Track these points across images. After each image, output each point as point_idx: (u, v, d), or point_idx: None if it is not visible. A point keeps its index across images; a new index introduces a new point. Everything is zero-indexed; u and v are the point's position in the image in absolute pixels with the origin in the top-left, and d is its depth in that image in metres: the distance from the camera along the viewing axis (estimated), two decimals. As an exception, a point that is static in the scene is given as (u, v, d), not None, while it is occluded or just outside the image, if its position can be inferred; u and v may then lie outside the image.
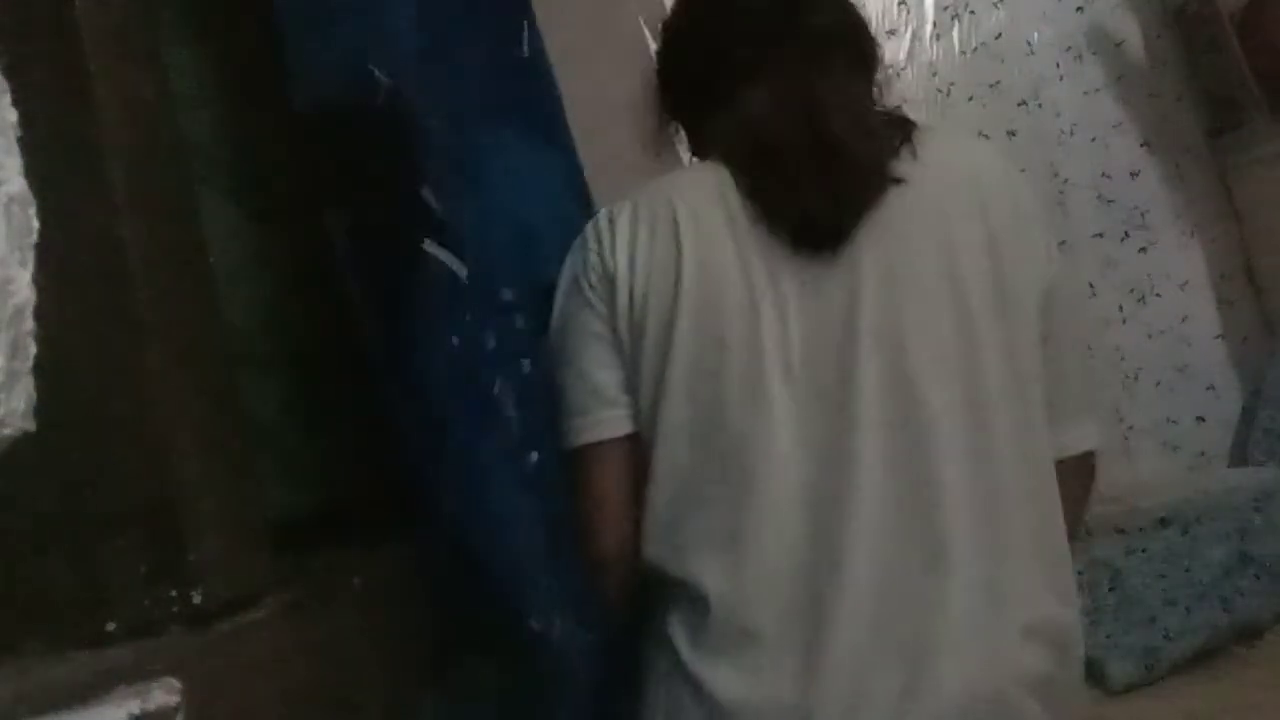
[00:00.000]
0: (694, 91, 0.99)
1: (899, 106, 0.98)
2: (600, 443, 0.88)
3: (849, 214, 0.85)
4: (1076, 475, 0.95)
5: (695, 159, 1.04)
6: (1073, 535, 0.94)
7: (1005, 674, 0.81)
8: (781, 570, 0.81)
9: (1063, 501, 0.90)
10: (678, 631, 0.84)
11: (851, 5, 1.01)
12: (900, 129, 0.91)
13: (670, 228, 0.87)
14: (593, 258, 0.90)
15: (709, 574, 0.82)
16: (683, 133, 1.06)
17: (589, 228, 0.92)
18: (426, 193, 0.80)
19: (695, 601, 0.83)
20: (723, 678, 0.81)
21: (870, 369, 0.83)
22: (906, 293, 0.85)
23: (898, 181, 0.86)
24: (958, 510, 0.82)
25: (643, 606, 0.91)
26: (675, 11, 1.03)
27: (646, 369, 0.87)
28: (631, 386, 0.88)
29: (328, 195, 0.82)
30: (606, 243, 0.89)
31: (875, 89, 0.98)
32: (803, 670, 0.79)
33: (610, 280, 0.88)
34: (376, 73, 0.76)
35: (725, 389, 0.84)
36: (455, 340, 0.84)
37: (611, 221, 0.90)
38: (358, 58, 0.78)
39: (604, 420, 0.88)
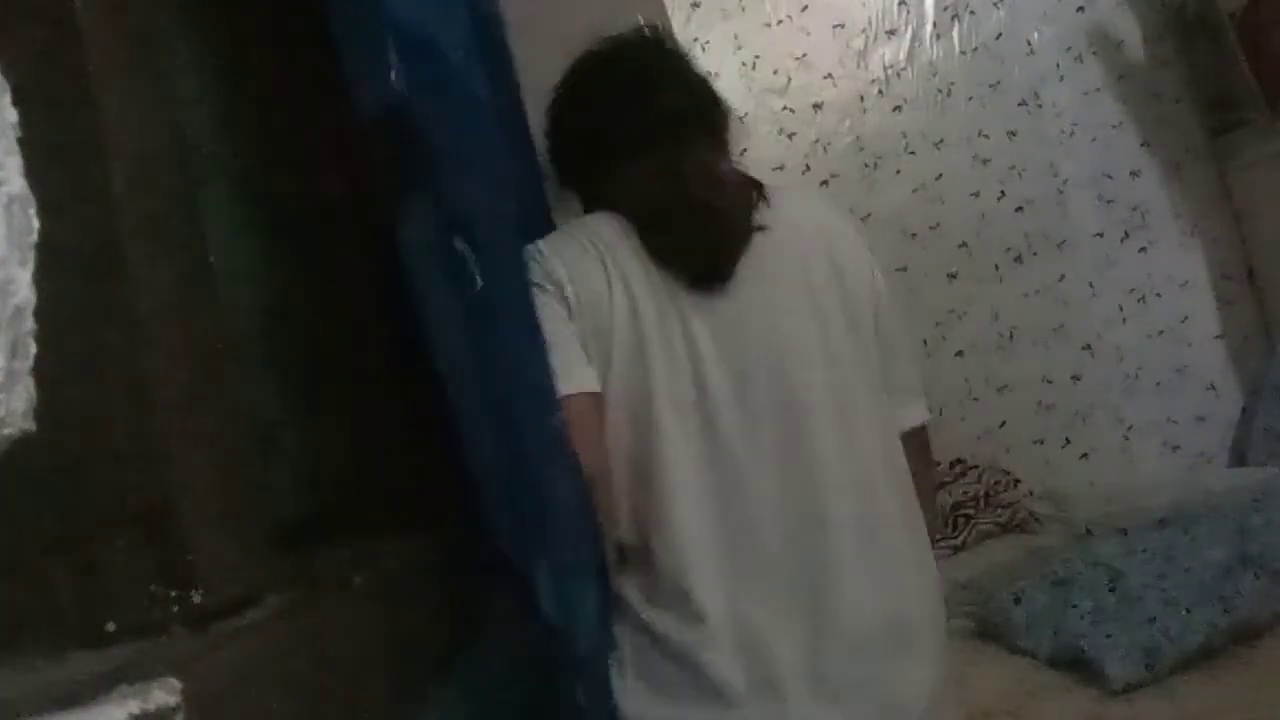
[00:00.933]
0: (577, 166, 1.19)
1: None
2: (576, 394, 1.00)
3: (728, 258, 1.05)
4: (916, 447, 1.17)
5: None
6: (930, 496, 1.26)
7: (899, 602, 1.03)
8: (704, 541, 0.99)
9: (911, 470, 1.13)
10: (633, 593, 1.02)
11: (701, 81, 1.19)
12: (754, 187, 1.11)
13: (596, 257, 1.04)
14: (539, 270, 1.04)
15: (655, 543, 1.00)
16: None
17: (527, 251, 1.06)
18: (453, 194, 0.82)
19: (647, 566, 1.01)
20: (672, 626, 0.99)
21: (759, 376, 1.03)
22: (779, 313, 1.06)
23: (761, 229, 1.07)
24: (835, 483, 1.03)
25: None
26: (552, 101, 1.20)
27: (594, 364, 1.02)
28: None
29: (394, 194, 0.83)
30: (547, 258, 1.05)
31: (729, 149, 1.18)
32: (731, 617, 0.98)
33: (559, 285, 1.03)
34: (399, 82, 0.77)
35: (651, 392, 1.01)
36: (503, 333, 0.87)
37: (540, 250, 1.07)
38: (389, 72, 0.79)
39: (580, 377, 1.01)
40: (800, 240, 1.10)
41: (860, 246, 1.17)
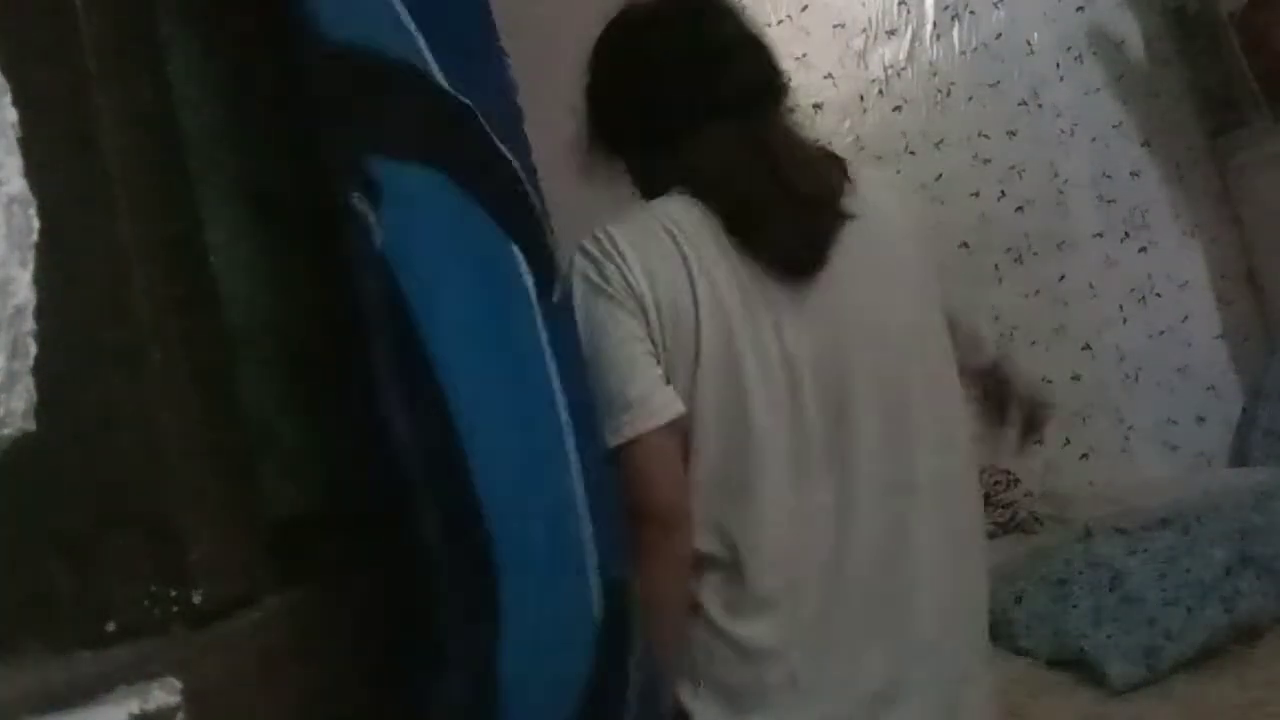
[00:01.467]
0: (634, 136, 1.08)
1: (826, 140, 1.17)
2: (662, 426, 0.94)
3: (820, 247, 0.98)
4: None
5: (640, 191, 1.12)
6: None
7: (966, 607, 1.05)
8: (798, 552, 0.96)
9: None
10: (711, 600, 0.97)
11: (766, 46, 1.10)
12: (838, 167, 1.05)
13: (675, 251, 0.97)
14: (612, 272, 0.97)
15: (746, 553, 0.96)
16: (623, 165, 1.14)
17: (592, 247, 0.99)
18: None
19: (731, 574, 0.97)
20: (756, 632, 0.96)
21: (858, 376, 0.98)
22: (875, 305, 1.00)
23: (850, 216, 1.00)
24: (931, 496, 1.00)
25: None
26: (602, 57, 1.10)
27: (680, 376, 0.96)
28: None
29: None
30: (620, 262, 0.97)
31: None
32: (819, 620, 0.96)
33: (637, 295, 0.96)
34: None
35: (745, 395, 0.95)
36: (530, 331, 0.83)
37: (615, 243, 0.98)
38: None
39: (664, 406, 0.95)
40: (885, 222, 1.04)
41: (926, 227, 1.16)
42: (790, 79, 1.11)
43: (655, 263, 0.97)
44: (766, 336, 0.96)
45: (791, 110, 1.10)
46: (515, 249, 0.82)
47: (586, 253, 0.99)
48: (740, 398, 0.95)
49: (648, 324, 0.96)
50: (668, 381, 0.96)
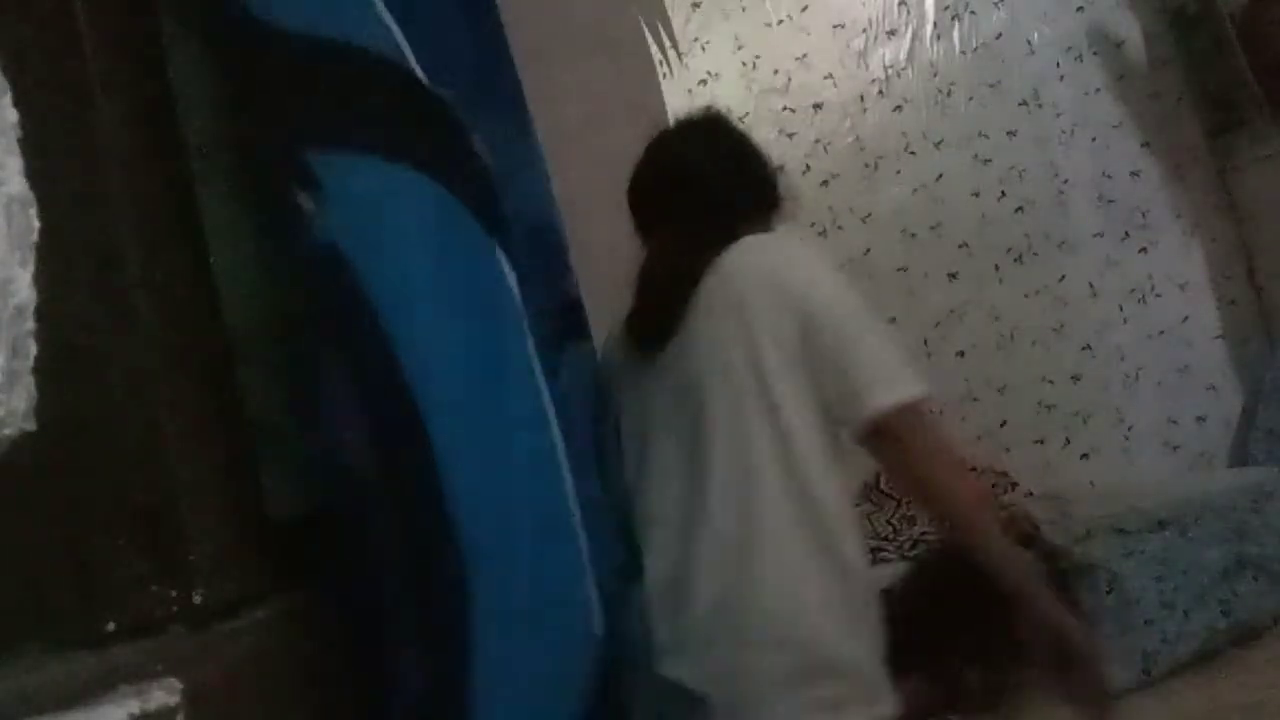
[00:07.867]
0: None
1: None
2: None
3: (649, 329, 1.21)
4: (886, 436, 1.14)
5: None
6: (926, 490, 1.17)
7: (740, 593, 1.13)
8: (645, 540, 1.18)
9: (893, 460, 1.18)
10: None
11: (726, 171, 1.25)
12: (702, 260, 1.19)
13: (617, 332, 1.28)
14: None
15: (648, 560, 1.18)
16: None
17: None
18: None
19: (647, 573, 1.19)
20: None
21: (718, 409, 1.15)
22: (699, 355, 1.18)
23: (689, 295, 1.18)
24: (719, 485, 1.15)
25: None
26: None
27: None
28: None
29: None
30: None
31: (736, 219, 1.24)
32: (677, 594, 1.14)
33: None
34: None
35: (638, 441, 1.22)
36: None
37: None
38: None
39: None
40: (737, 286, 1.19)
41: (791, 277, 1.21)
42: (760, 183, 1.26)
43: (607, 347, 1.32)
44: (645, 399, 1.23)
45: (731, 216, 1.24)
46: (499, 252, 0.81)
47: None
48: (636, 448, 1.24)
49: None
50: None
